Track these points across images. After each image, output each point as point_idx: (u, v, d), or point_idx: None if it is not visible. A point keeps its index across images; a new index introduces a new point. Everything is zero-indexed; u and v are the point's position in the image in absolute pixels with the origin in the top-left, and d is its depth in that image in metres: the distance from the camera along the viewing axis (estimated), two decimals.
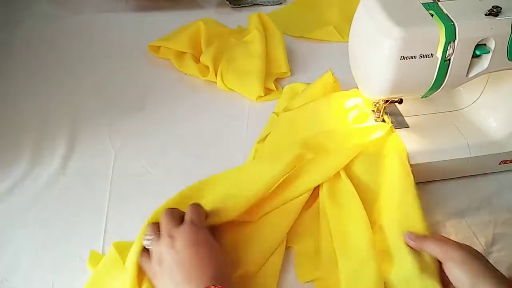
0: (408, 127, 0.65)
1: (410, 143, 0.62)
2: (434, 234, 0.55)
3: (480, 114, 0.66)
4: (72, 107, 0.74)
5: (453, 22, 0.50)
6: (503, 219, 0.60)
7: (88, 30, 0.91)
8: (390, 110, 0.66)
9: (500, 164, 0.64)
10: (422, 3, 0.53)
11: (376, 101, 0.63)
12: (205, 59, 0.79)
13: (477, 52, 0.52)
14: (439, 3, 0.52)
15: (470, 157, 0.62)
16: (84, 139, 0.69)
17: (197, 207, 0.53)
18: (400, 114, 0.66)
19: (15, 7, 0.95)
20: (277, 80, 0.80)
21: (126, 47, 0.87)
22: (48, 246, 0.56)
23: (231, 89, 0.78)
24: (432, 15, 0.51)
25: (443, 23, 0.50)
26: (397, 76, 0.52)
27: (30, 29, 0.90)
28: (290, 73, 0.81)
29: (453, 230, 0.59)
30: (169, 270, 0.47)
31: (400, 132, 0.63)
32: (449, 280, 0.49)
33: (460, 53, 0.51)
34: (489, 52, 0.52)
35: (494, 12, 0.50)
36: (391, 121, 0.64)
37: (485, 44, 0.52)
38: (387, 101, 0.63)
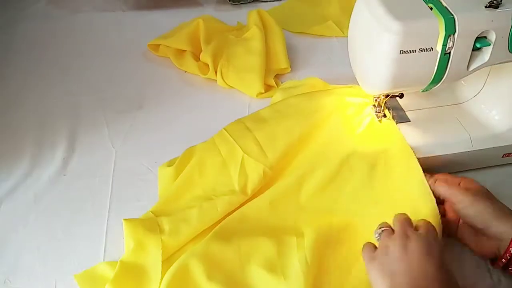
0: (410, 121, 0.64)
1: (411, 137, 0.62)
2: (439, 176, 0.56)
3: (482, 107, 0.65)
4: (72, 107, 0.74)
5: (452, 15, 0.50)
6: None
7: (87, 29, 0.91)
8: (391, 105, 0.66)
9: (503, 157, 0.63)
10: None
11: (377, 96, 0.62)
12: (205, 56, 0.79)
13: (478, 45, 0.51)
14: None
15: (473, 151, 0.61)
16: (85, 139, 0.69)
17: (433, 225, 0.51)
18: (401, 109, 0.66)
19: (13, 6, 0.95)
20: (277, 77, 0.80)
21: (126, 45, 0.87)
22: (50, 246, 0.57)
23: (231, 86, 0.78)
24: (431, 8, 0.51)
25: (443, 16, 0.50)
26: (397, 71, 0.52)
27: (28, 29, 0.90)
28: (290, 69, 0.81)
29: None
30: (390, 265, 0.45)
31: (402, 127, 0.63)
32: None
33: (460, 46, 0.51)
34: (489, 44, 0.52)
35: (494, 4, 0.50)
36: (392, 116, 0.64)
37: (485, 37, 0.52)
38: (387, 95, 0.63)
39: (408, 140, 0.61)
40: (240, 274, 0.52)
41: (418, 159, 0.60)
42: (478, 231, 0.51)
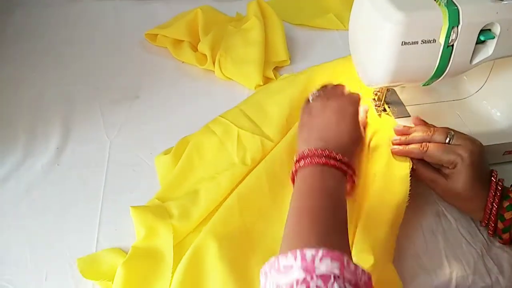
0: (410, 116, 0.63)
1: None
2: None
3: (484, 103, 0.64)
4: (66, 96, 0.73)
5: (456, 6, 0.49)
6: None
7: (85, 18, 0.89)
8: (391, 99, 0.65)
9: (504, 154, 0.62)
10: None
11: (377, 90, 0.61)
12: (203, 47, 0.78)
13: (482, 38, 0.50)
14: None
15: None
16: (79, 129, 0.68)
17: (358, 95, 0.58)
18: (401, 103, 0.65)
19: None
20: (276, 69, 0.79)
21: (123, 35, 0.85)
22: (41, 237, 0.55)
23: (229, 78, 0.76)
24: None
25: (447, 7, 0.48)
26: (398, 63, 0.51)
27: (25, 16, 0.89)
28: (289, 62, 0.79)
29: (455, 219, 0.57)
30: (309, 122, 0.54)
31: (401, 122, 0.62)
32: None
33: (464, 38, 0.50)
34: (494, 37, 0.50)
35: None
36: (392, 110, 0.63)
37: (490, 29, 0.51)
38: (388, 90, 0.62)
39: None
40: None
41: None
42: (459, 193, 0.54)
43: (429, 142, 0.54)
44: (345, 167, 0.50)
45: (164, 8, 0.90)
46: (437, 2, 0.49)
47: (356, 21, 0.57)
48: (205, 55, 0.77)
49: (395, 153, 0.56)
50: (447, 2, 0.49)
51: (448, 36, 0.49)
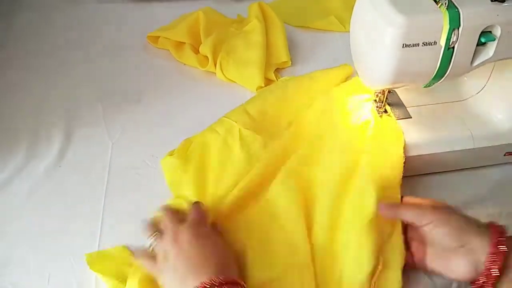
0: (411, 117, 0.63)
1: (412, 134, 0.61)
2: (406, 200, 0.55)
3: (485, 104, 0.64)
4: (69, 98, 0.73)
5: (457, 8, 0.49)
6: (508, 212, 0.59)
7: (87, 20, 0.89)
8: (393, 101, 0.65)
9: (505, 155, 0.63)
10: None
11: (378, 91, 0.61)
12: (204, 49, 0.78)
13: (482, 40, 0.50)
14: None
15: (474, 149, 0.61)
16: (81, 131, 0.68)
17: (198, 206, 0.54)
18: (403, 105, 0.65)
19: None
20: (278, 71, 0.79)
21: (125, 37, 0.85)
22: (44, 239, 0.56)
23: (231, 80, 0.77)
24: (436, 2, 0.50)
25: (447, 9, 0.48)
26: (399, 65, 0.51)
27: (27, 20, 0.89)
28: (290, 63, 0.80)
29: None
30: (174, 264, 0.48)
31: (403, 123, 0.62)
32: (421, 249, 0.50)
33: (465, 40, 0.50)
34: (494, 39, 0.50)
35: None
36: (394, 112, 0.63)
37: (490, 32, 0.51)
38: (389, 91, 0.62)
39: (408, 137, 0.60)
40: None
41: (419, 156, 0.60)
42: (448, 253, 0.48)
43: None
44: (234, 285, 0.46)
45: (165, 10, 0.90)
46: (438, 4, 0.49)
47: (357, 23, 0.57)
48: (206, 57, 0.78)
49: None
50: (447, 4, 0.49)
51: (449, 38, 0.49)
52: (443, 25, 0.49)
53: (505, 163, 0.64)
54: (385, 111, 0.63)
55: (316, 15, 0.89)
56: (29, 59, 0.81)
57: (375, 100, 0.63)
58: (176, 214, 0.53)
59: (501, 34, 0.50)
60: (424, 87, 0.56)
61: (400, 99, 0.66)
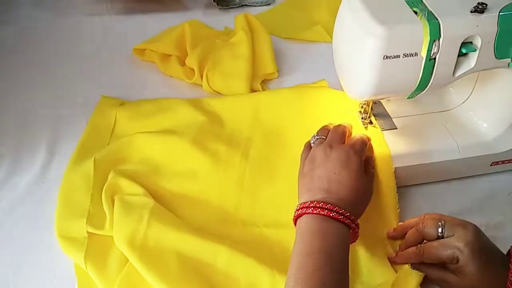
0: (396, 128, 0.63)
1: (398, 145, 0.61)
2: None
3: (470, 114, 0.64)
4: (53, 112, 0.72)
5: (437, 19, 0.49)
6: (495, 222, 0.58)
7: (73, 32, 0.89)
8: (378, 112, 0.64)
9: (491, 165, 0.62)
10: (406, 0, 0.51)
11: (363, 102, 0.61)
12: (191, 61, 0.77)
13: (463, 51, 0.50)
14: (423, 0, 0.51)
15: (461, 159, 0.60)
16: (65, 146, 0.67)
17: (364, 140, 0.57)
18: (388, 115, 0.65)
19: None
20: (264, 82, 0.79)
21: (111, 49, 0.85)
22: (25, 257, 0.55)
23: (217, 92, 0.76)
24: (416, 13, 0.50)
25: (427, 20, 0.48)
26: (381, 76, 0.50)
27: (12, 32, 0.88)
28: (277, 74, 0.79)
29: None
30: (313, 170, 0.52)
31: (388, 134, 0.62)
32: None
33: (446, 51, 0.50)
34: (475, 50, 0.50)
35: (480, 9, 0.49)
36: (379, 123, 0.63)
37: (471, 42, 0.51)
38: (374, 102, 0.61)
39: (394, 148, 0.60)
40: None
41: (405, 167, 0.59)
42: None
43: (422, 238, 0.52)
44: (348, 220, 0.48)
45: (152, 23, 0.90)
46: (418, 15, 0.49)
47: (339, 34, 0.57)
48: (192, 69, 0.77)
49: (394, 262, 0.53)
50: (427, 15, 0.49)
51: (429, 49, 0.49)
52: (423, 36, 0.49)
53: (492, 173, 0.63)
54: (371, 122, 0.63)
55: (302, 26, 0.89)
56: (14, 72, 0.80)
57: (360, 112, 0.62)
58: (343, 134, 0.57)
59: (481, 45, 0.50)
60: (407, 98, 0.56)
61: (385, 109, 0.65)
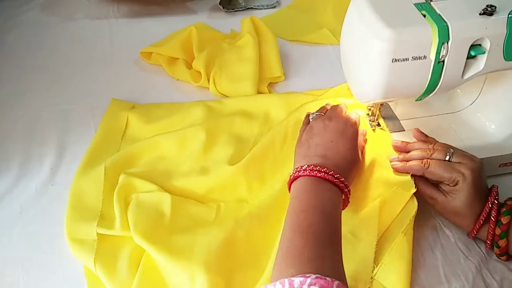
0: (404, 130, 0.63)
1: None
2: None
3: (478, 116, 0.64)
4: (61, 115, 0.73)
5: (446, 22, 0.49)
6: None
7: (79, 36, 0.90)
8: (385, 114, 0.65)
9: (500, 166, 0.62)
10: (414, 4, 0.51)
11: (371, 105, 0.61)
12: (197, 64, 0.78)
13: (472, 53, 0.50)
14: (431, 3, 0.51)
15: None
16: (74, 148, 0.68)
17: (358, 116, 0.59)
18: (396, 118, 0.65)
19: (5, 13, 0.94)
20: (271, 85, 0.79)
21: (118, 53, 0.86)
22: (35, 259, 0.55)
23: (224, 95, 0.76)
24: (424, 16, 0.50)
25: (436, 23, 0.49)
26: (389, 79, 0.51)
27: (20, 36, 0.89)
28: (284, 77, 0.80)
29: (453, 233, 0.57)
30: (309, 139, 0.55)
31: (396, 136, 0.62)
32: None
33: (454, 54, 0.50)
34: (484, 52, 0.50)
35: (489, 11, 0.49)
36: (387, 125, 0.63)
37: (480, 45, 0.51)
38: (381, 104, 0.61)
39: None
40: None
41: None
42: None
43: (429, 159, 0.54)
44: (342, 184, 0.50)
45: (158, 26, 0.91)
46: (426, 18, 0.49)
47: (347, 38, 0.57)
48: (199, 72, 0.78)
49: (396, 170, 0.56)
50: (436, 18, 0.49)
51: (438, 52, 0.49)
52: (432, 39, 0.49)
53: (500, 175, 0.63)
54: (378, 125, 0.63)
55: (309, 28, 0.90)
56: (22, 76, 0.81)
57: (368, 114, 0.62)
58: (342, 112, 0.58)
59: (490, 47, 0.50)
60: (416, 100, 0.56)
61: (393, 112, 0.65)
